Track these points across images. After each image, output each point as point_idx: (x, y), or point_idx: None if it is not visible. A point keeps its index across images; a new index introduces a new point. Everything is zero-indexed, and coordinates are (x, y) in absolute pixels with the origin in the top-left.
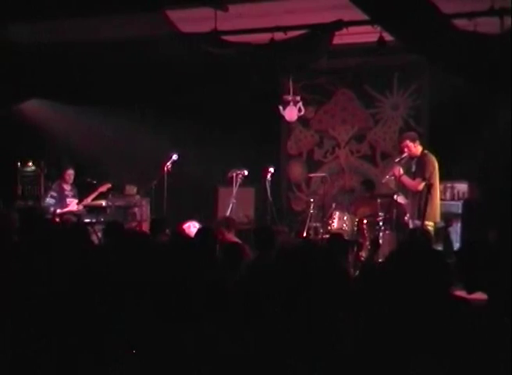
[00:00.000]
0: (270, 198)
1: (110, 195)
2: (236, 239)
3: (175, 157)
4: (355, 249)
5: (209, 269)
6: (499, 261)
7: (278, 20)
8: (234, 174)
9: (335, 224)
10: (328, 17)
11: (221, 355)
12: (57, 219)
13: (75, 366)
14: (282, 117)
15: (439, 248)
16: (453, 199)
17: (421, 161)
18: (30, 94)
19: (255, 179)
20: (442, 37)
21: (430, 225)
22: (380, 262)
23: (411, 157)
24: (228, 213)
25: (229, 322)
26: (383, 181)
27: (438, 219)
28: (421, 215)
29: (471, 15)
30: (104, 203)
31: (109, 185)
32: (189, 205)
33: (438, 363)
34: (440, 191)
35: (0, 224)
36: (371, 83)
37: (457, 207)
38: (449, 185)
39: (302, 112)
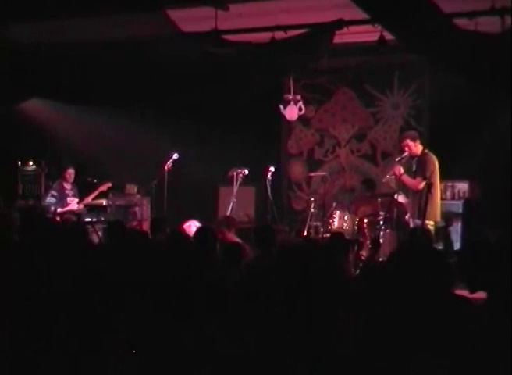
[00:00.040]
0: (270, 197)
1: (110, 194)
2: (236, 238)
3: (175, 156)
4: (356, 248)
5: (209, 268)
6: (500, 260)
7: (278, 19)
8: (235, 173)
9: (335, 223)
10: (328, 16)
11: (220, 355)
12: (57, 219)
13: (75, 366)
14: (283, 116)
15: (440, 247)
16: (453, 198)
17: (421, 160)
18: (31, 93)
19: (256, 178)
20: (442, 36)
21: (430, 224)
22: (381, 262)
23: (412, 156)
24: (228, 212)
25: (229, 322)
26: (384, 180)
27: (438, 218)
28: (422, 214)
29: (471, 14)
30: (104, 202)
31: (110, 184)
32: (189, 204)
33: (438, 363)
34: (441, 191)
35: (0, 223)
36: (372, 83)
37: (458, 206)
38: (449, 184)
39: (302, 112)
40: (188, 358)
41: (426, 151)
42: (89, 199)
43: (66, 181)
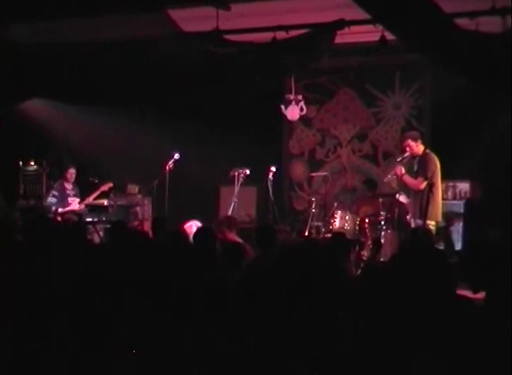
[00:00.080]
0: (272, 198)
1: (112, 194)
2: (237, 238)
3: (176, 156)
4: (357, 248)
5: (209, 268)
6: (501, 260)
7: (280, 19)
8: (236, 173)
9: (336, 223)
10: (329, 16)
11: (220, 355)
12: (59, 219)
13: (75, 366)
14: (284, 116)
15: (441, 247)
16: (454, 198)
17: (422, 160)
18: (32, 93)
19: (257, 178)
20: (443, 36)
21: (432, 224)
22: (382, 262)
23: (413, 156)
24: (230, 212)
25: (229, 322)
26: (385, 180)
27: (440, 218)
28: (423, 214)
29: (472, 14)
30: (105, 202)
31: (111, 184)
32: (191, 204)
33: (438, 363)
34: (442, 191)
35: (2, 223)
36: (373, 83)
37: (459, 206)
38: (450, 184)
39: (304, 112)
40: (188, 358)
41: (427, 151)
42: (90, 199)
43: (67, 181)
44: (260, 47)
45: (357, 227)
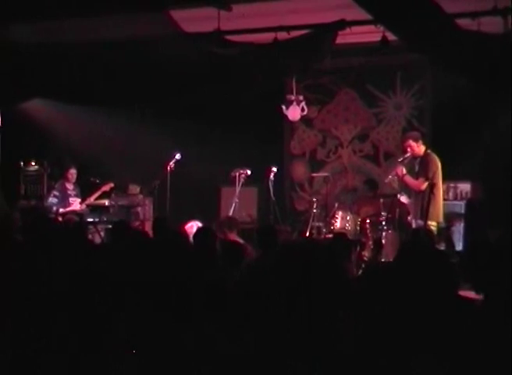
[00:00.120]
0: (273, 198)
1: (113, 195)
2: (238, 239)
3: (178, 156)
4: (358, 249)
5: (209, 268)
6: (503, 261)
7: (281, 20)
8: (237, 174)
9: (337, 224)
10: (331, 17)
11: (220, 355)
12: (60, 219)
13: (75, 366)
14: (285, 117)
15: (441, 248)
16: (455, 199)
17: (423, 161)
18: (33, 93)
19: (258, 178)
20: (445, 36)
21: (433, 225)
22: (383, 262)
23: (414, 157)
24: (231, 213)
25: (229, 322)
26: (386, 181)
27: (441, 218)
28: (424, 215)
29: (474, 14)
30: (107, 202)
31: (112, 184)
32: (192, 204)
33: (439, 364)
34: (443, 191)
35: (3, 223)
36: (374, 83)
37: (460, 207)
38: (452, 185)
39: (305, 112)
40: (188, 358)
41: (428, 151)
42: (91, 199)
43: (68, 181)
44: (261, 47)
45: (358, 228)
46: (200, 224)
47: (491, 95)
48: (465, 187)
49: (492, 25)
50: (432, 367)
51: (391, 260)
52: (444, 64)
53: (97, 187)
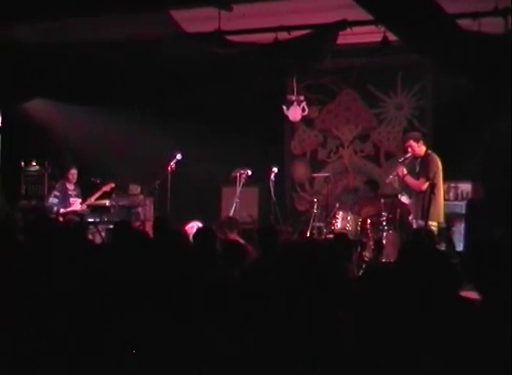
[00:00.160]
0: (274, 198)
1: (114, 195)
2: (239, 239)
3: (178, 157)
4: (359, 249)
5: (209, 268)
6: (503, 260)
7: (282, 20)
8: (238, 174)
9: (338, 224)
10: (332, 17)
11: (220, 355)
12: (60, 219)
13: (75, 366)
14: (286, 117)
15: (442, 248)
16: (456, 199)
17: (424, 161)
18: (34, 93)
19: (259, 179)
20: (445, 37)
21: (434, 225)
22: (384, 263)
23: (415, 157)
24: (231, 213)
25: (229, 322)
26: (387, 181)
27: (441, 219)
28: (425, 215)
29: (475, 15)
30: (107, 203)
31: (113, 185)
32: (192, 204)
33: (440, 364)
34: (444, 191)
35: (3, 223)
36: (375, 83)
37: (461, 207)
38: (452, 185)
39: (306, 112)
40: (188, 358)
41: (429, 151)
42: (92, 200)
43: (69, 182)
44: (262, 47)
45: (359, 228)
46: (200, 225)
47: (491, 96)
48: (466, 187)
49: (493, 25)
50: (432, 367)
51: (392, 260)
52: (445, 64)
53: (97, 188)
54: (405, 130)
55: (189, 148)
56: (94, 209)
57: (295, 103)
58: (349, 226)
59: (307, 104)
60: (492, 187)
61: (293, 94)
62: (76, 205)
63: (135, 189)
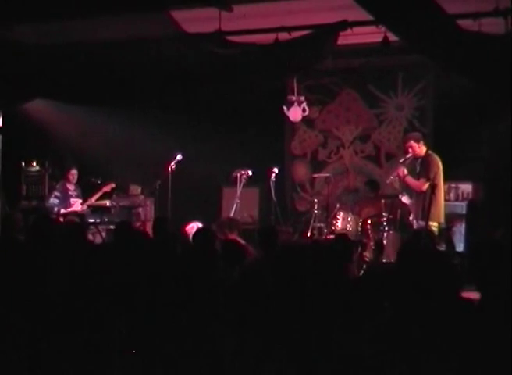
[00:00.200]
0: (274, 199)
1: (114, 195)
2: (239, 239)
3: (179, 157)
4: (359, 250)
5: (209, 269)
6: (504, 261)
7: (282, 20)
8: (238, 174)
9: (339, 224)
10: (332, 17)
11: (220, 354)
12: (61, 219)
13: (75, 366)
14: (287, 117)
15: (442, 248)
16: (457, 200)
17: (425, 161)
18: (35, 94)
19: (259, 179)
20: (446, 37)
21: (434, 225)
22: (384, 263)
23: (416, 157)
24: (232, 213)
25: (229, 322)
26: (387, 182)
27: (442, 219)
28: (426, 215)
29: (475, 15)
30: (108, 203)
31: (113, 185)
32: (193, 205)
33: (441, 364)
34: (444, 192)
35: (4, 224)
36: (376, 84)
37: (462, 208)
38: (453, 186)
39: (306, 113)
40: (188, 358)
41: (430, 152)
42: (92, 200)
43: (70, 182)
44: (262, 48)
45: (360, 228)
46: (200, 225)
47: (492, 96)
48: (466, 187)
49: (493, 26)
50: (433, 367)
51: (392, 261)
52: (445, 65)
53: (98, 188)
54: (406, 130)
55: (189, 149)
56: (95, 210)
57: (295, 103)
58: (349, 227)
59: (308, 104)
60: (492, 187)
61: (293, 94)
62: (77, 205)
63: (135, 189)
